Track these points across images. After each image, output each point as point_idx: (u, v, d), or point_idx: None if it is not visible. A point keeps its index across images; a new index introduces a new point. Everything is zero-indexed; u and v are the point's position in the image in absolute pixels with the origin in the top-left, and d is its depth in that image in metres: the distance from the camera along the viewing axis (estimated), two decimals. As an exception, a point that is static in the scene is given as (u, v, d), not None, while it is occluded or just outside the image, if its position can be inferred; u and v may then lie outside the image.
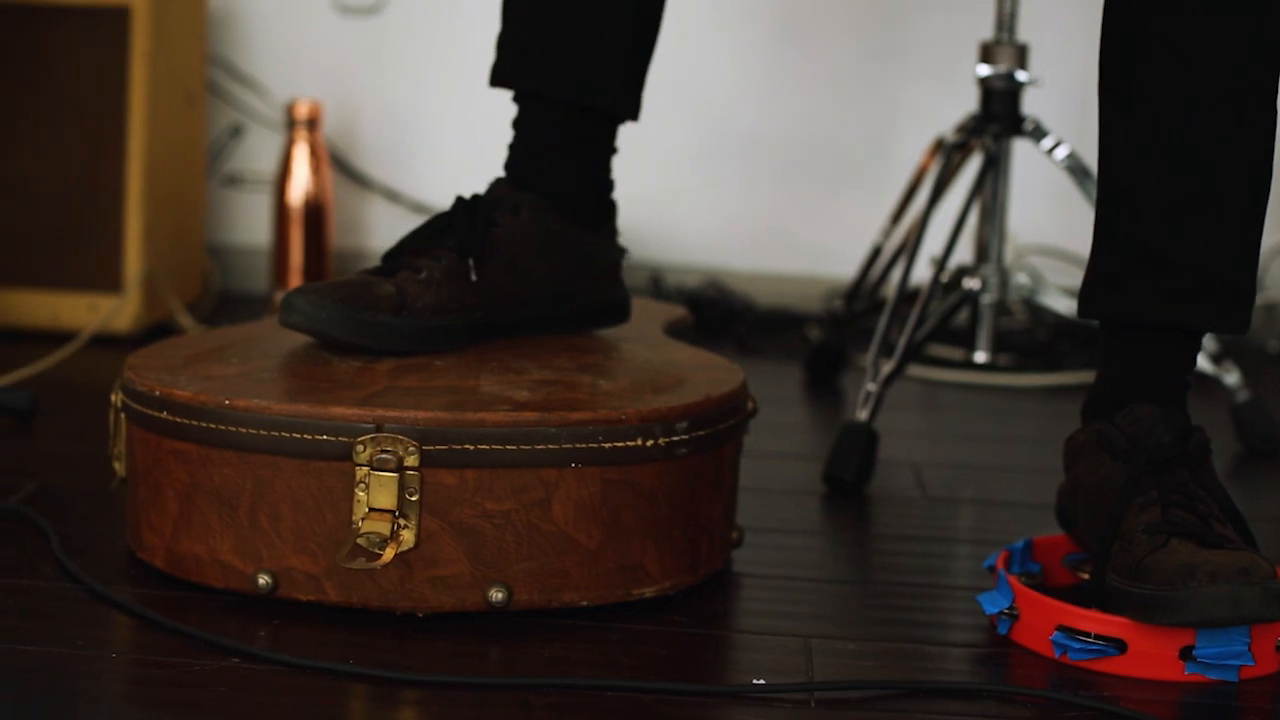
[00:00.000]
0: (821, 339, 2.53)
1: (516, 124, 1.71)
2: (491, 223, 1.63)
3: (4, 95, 2.56)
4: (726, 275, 2.92)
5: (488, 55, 2.84)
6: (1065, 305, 2.39)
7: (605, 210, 1.73)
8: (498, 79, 1.72)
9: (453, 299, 1.58)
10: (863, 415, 1.96)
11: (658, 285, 2.84)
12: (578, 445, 1.39)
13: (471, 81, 2.91)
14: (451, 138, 2.94)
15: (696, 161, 2.93)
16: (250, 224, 2.99)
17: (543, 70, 1.68)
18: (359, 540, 1.36)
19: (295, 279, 2.76)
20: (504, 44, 1.72)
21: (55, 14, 2.55)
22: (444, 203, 2.88)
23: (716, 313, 2.79)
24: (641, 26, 1.69)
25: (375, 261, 2.87)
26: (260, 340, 1.63)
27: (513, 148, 1.71)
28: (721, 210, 2.95)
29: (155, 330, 2.58)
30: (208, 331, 1.72)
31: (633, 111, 1.71)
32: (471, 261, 1.60)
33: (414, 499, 1.37)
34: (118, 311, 2.52)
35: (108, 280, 2.55)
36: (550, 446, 1.39)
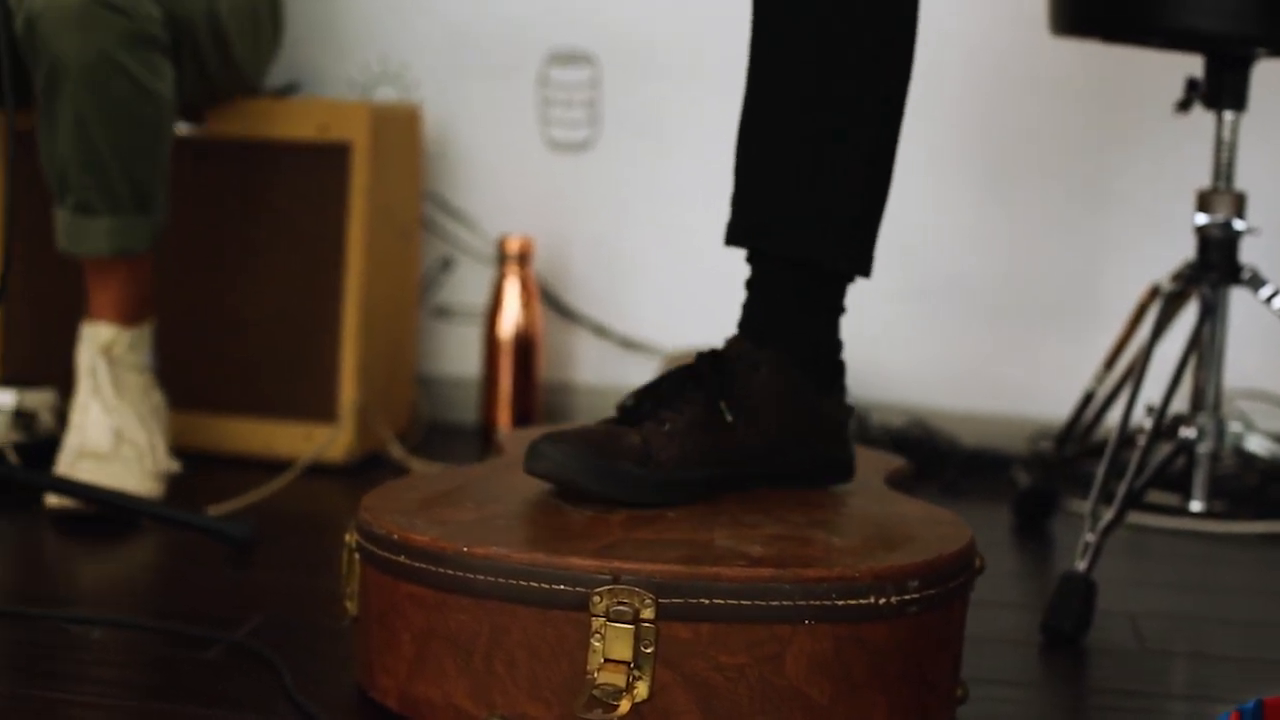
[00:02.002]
0: (1031, 483, 2.51)
1: (751, 283, 1.74)
2: (732, 377, 1.65)
3: (227, 227, 2.63)
4: (931, 415, 2.91)
5: (693, 193, 2.90)
6: (1275, 450, 2.36)
7: (835, 369, 1.75)
8: (733, 239, 1.74)
9: (695, 452, 1.60)
10: (1081, 565, 1.94)
11: (863, 424, 2.84)
12: (812, 602, 1.40)
13: (678, 218, 2.97)
14: (659, 273, 2.97)
15: (900, 301, 2.93)
16: (458, 356, 3.03)
17: (776, 231, 1.70)
18: (594, 691, 1.37)
19: (504, 411, 2.80)
20: (737, 204, 1.75)
21: (278, 148, 2.62)
22: (651, 338, 2.97)
23: (922, 453, 2.78)
24: (873, 187, 1.71)
25: (583, 396, 2.97)
26: (491, 484, 1.65)
27: (747, 305, 1.74)
28: (925, 350, 2.95)
29: (367, 460, 2.63)
30: (438, 472, 1.75)
31: (865, 269, 1.72)
32: (708, 416, 1.62)
33: (649, 651, 1.38)
34: (332, 441, 2.56)
35: (322, 410, 2.60)
36: (785, 603, 1.39)
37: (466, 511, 1.53)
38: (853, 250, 1.71)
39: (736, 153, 1.75)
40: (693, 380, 1.66)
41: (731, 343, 1.72)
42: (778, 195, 1.70)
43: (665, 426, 1.61)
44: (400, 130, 2.74)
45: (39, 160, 2.28)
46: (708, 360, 1.68)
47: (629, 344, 2.96)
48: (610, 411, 2.86)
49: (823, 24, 1.68)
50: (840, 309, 1.75)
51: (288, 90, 2.79)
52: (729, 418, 1.64)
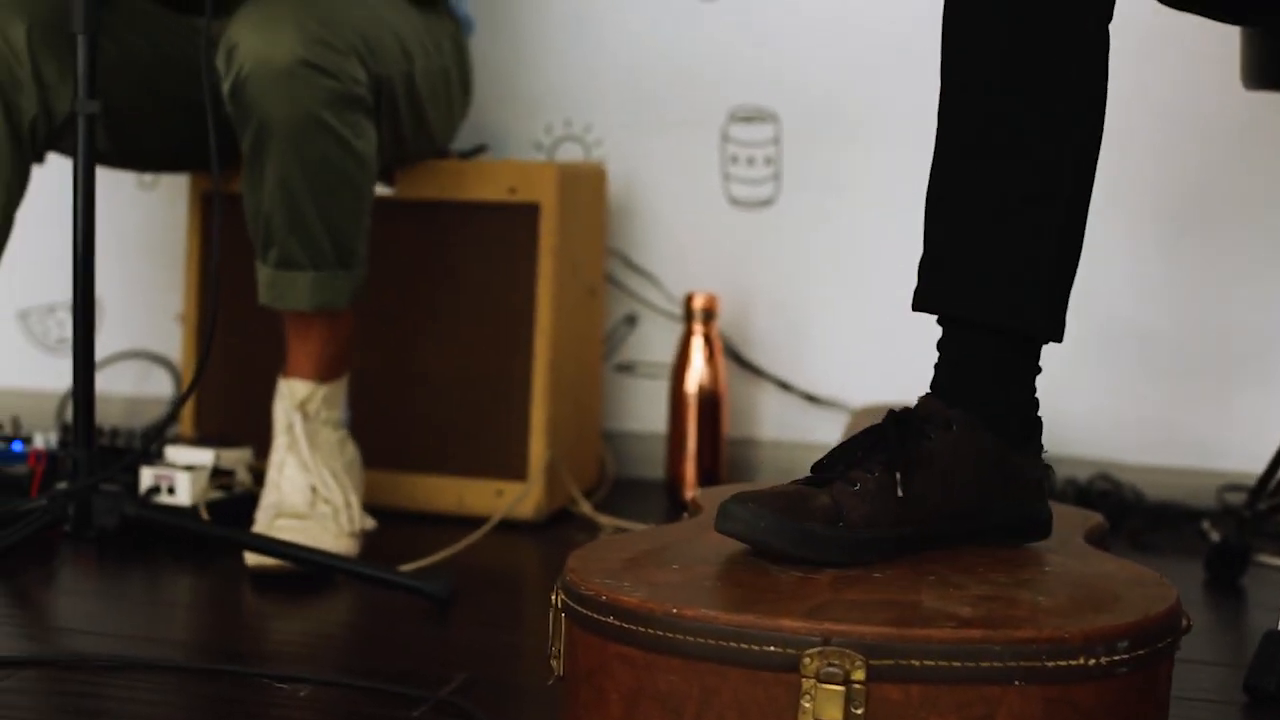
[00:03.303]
0: (1223, 537, 2.49)
1: (942, 345, 1.73)
2: (923, 437, 1.65)
3: (417, 287, 2.68)
4: (1115, 468, 2.89)
5: (875, 249, 2.91)
6: None
7: (1030, 427, 1.74)
8: (922, 304, 1.74)
9: (886, 512, 1.60)
10: (1283, 625, 1.92)
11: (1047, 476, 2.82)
12: (1022, 663, 1.40)
13: (860, 274, 2.97)
14: (841, 329, 2.97)
15: (1086, 352, 2.91)
16: (643, 412, 3.06)
17: (967, 295, 1.70)
18: (805, 752, 1.38)
19: (690, 467, 2.81)
20: (927, 269, 1.75)
21: (468, 209, 2.66)
22: (834, 394, 2.97)
23: (1107, 506, 2.76)
24: (1064, 250, 1.71)
25: (767, 450, 2.98)
26: (692, 544, 1.66)
27: (939, 368, 1.73)
28: (1108, 401, 2.93)
29: (555, 516, 2.65)
30: (639, 532, 1.76)
31: (1057, 333, 1.72)
32: (899, 476, 1.62)
33: (859, 712, 1.38)
34: (523, 498, 2.59)
35: (512, 467, 2.64)
36: (994, 664, 1.39)
37: (672, 572, 1.55)
38: (1045, 315, 1.70)
39: (926, 215, 1.75)
40: (883, 440, 1.66)
41: (923, 402, 1.72)
42: (969, 259, 1.70)
43: (855, 486, 1.62)
44: (586, 190, 2.77)
45: (239, 216, 2.33)
46: (899, 419, 1.68)
47: (812, 399, 2.97)
48: (794, 464, 2.89)
49: (1016, 82, 1.68)
50: (1035, 369, 1.75)
51: (476, 152, 2.84)
52: (919, 478, 1.64)
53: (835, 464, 1.65)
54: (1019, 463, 1.72)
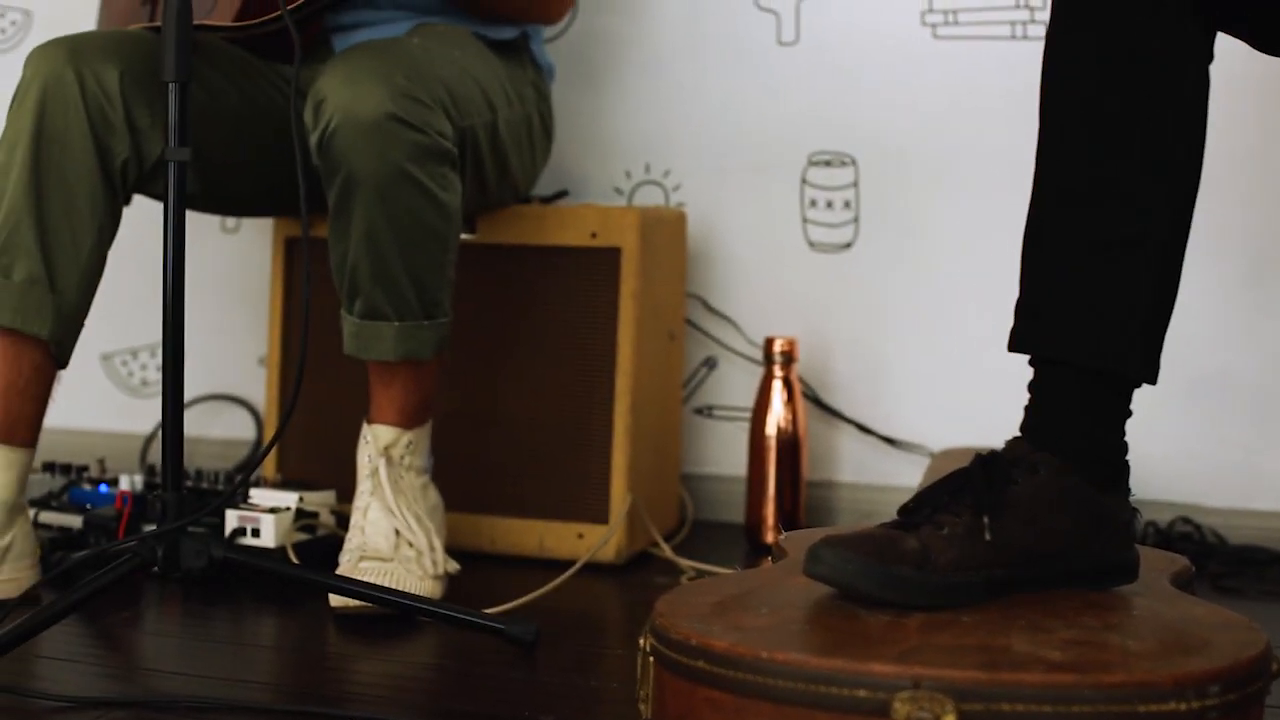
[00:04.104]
0: (1308, 582, 2.48)
1: (1034, 386, 1.74)
2: (1010, 480, 1.65)
3: (499, 331, 2.70)
4: (1197, 511, 2.88)
5: (953, 292, 2.91)
6: None
7: (1119, 471, 1.75)
8: (1018, 345, 1.75)
9: (974, 555, 1.61)
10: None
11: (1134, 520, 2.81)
12: (1112, 708, 1.40)
13: (938, 317, 2.97)
14: (920, 372, 2.97)
15: (1165, 394, 2.90)
16: (722, 455, 3.07)
17: (1063, 337, 1.71)
18: (895, 796, 1.38)
19: (770, 510, 2.82)
20: (1023, 311, 1.75)
21: (549, 254, 2.67)
22: (913, 437, 2.97)
23: (1189, 549, 2.75)
24: (1160, 293, 1.71)
25: (846, 493, 2.98)
26: (778, 587, 1.67)
27: (1029, 408, 1.74)
28: (1191, 445, 2.91)
29: (636, 559, 2.66)
30: (725, 576, 1.77)
31: (1151, 376, 1.72)
32: (987, 519, 1.63)
33: (949, 756, 1.39)
34: (604, 542, 2.60)
35: (593, 510, 2.65)
36: (1085, 708, 1.39)
37: (761, 616, 1.55)
38: (1140, 357, 1.71)
39: (1023, 257, 1.76)
40: (970, 483, 1.67)
41: (1010, 445, 1.72)
42: (1065, 301, 1.71)
43: (943, 530, 1.62)
44: (667, 234, 2.79)
45: (323, 261, 2.36)
46: (985, 463, 1.69)
47: (891, 442, 2.97)
48: (873, 507, 2.90)
49: (1114, 126, 1.68)
50: (1126, 412, 1.75)
51: (557, 197, 2.86)
52: (1007, 521, 1.64)
53: (922, 507, 1.66)
54: (1107, 506, 1.72)
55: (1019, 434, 1.74)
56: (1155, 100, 1.69)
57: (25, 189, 2.28)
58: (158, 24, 2.43)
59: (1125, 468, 1.76)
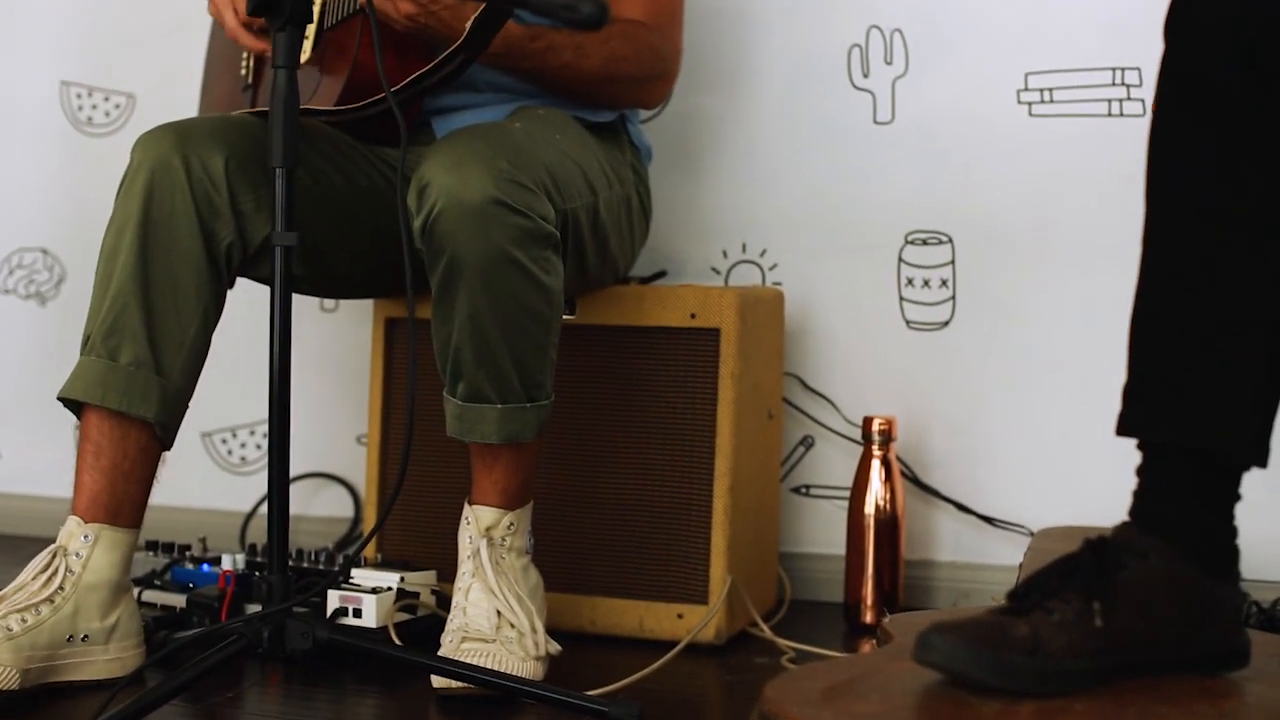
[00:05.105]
0: None
1: (1142, 470, 1.73)
2: (1120, 566, 1.64)
3: (598, 411, 2.70)
4: (1296, 591, 2.85)
5: (1050, 372, 2.90)
6: None
7: (1229, 556, 1.73)
8: (1127, 429, 1.74)
9: (1084, 641, 1.60)
10: None
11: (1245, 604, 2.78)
12: (1230, 798, 1.39)
13: (1036, 396, 2.96)
14: (1018, 451, 2.96)
15: (1263, 474, 2.88)
16: (819, 534, 3.06)
17: (1172, 420, 1.70)
18: None
19: (869, 590, 2.81)
20: (1132, 394, 1.74)
21: (648, 334, 2.68)
22: (1012, 516, 2.95)
23: (1293, 628, 2.73)
24: (1271, 375, 1.70)
25: (944, 571, 2.97)
26: (888, 673, 1.67)
27: (1138, 494, 1.73)
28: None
29: (735, 639, 2.65)
30: (832, 661, 1.77)
31: (1261, 459, 1.71)
32: (1097, 605, 1.62)
33: (1064, 847, 1.38)
34: (704, 623, 2.59)
35: (692, 590, 2.64)
36: (1202, 799, 1.38)
37: (871, 703, 1.55)
38: (1251, 440, 1.70)
39: (1131, 340, 1.75)
40: (1080, 568, 1.66)
41: (1119, 530, 1.71)
42: (1174, 384, 1.70)
43: (1054, 616, 1.61)
44: (765, 314, 2.79)
45: (424, 342, 2.37)
46: (1095, 548, 1.68)
47: (990, 521, 2.96)
48: (972, 587, 2.88)
49: (1222, 207, 1.68)
50: (1236, 496, 1.74)
51: (655, 277, 2.87)
52: (1117, 608, 1.63)
53: (1031, 593, 1.65)
54: (1218, 591, 1.71)
55: (1128, 518, 1.73)
56: (1263, 180, 1.68)
57: (133, 273, 2.31)
58: (260, 109, 2.47)
59: (1235, 552, 1.74)
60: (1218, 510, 1.73)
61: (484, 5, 2.27)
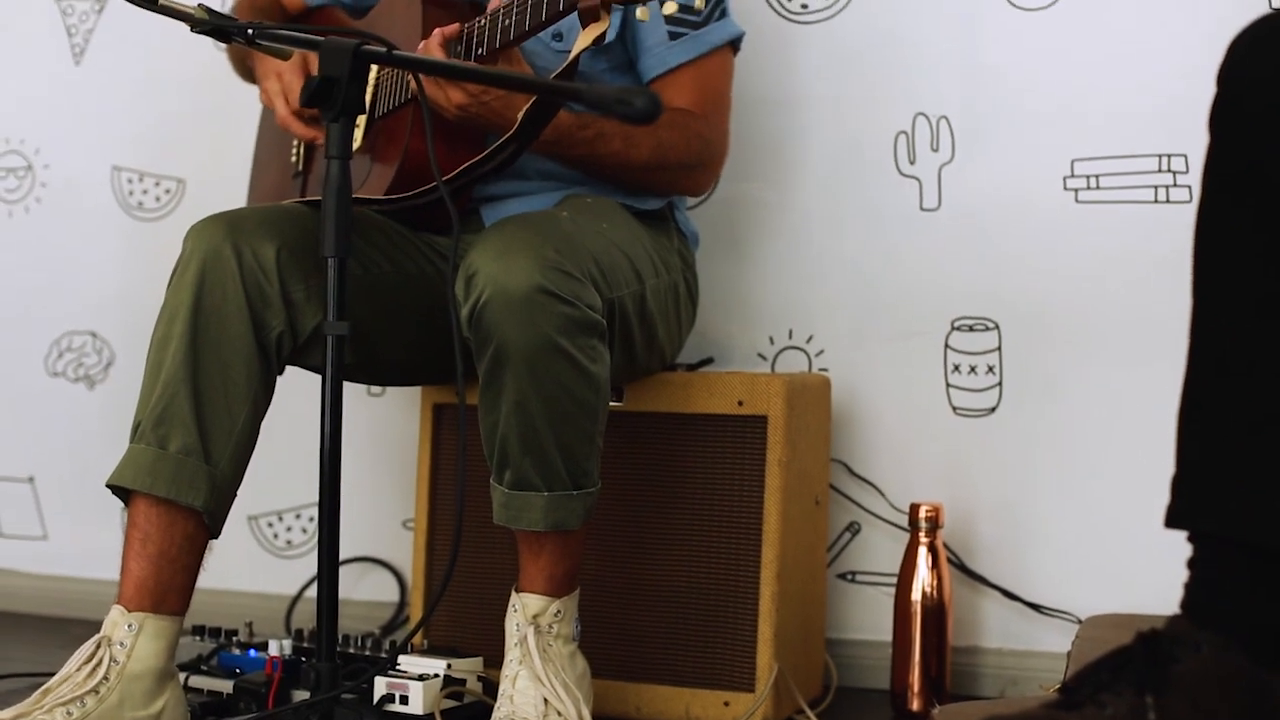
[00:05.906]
0: None
1: (1193, 563, 1.72)
2: (1173, 659, 1.63)
3: (645, 498, 2.71)
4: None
5: (1098, 458, 2.89)
6: None
7: (1285, 647, 1.72)
8: (1177, 521, 1.73)
9: (1139, 735, 1.59)
10: None
11: None
12: None
13: (1084, 483, 2.95)
14: (1065, 538, 2.95)
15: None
16: (865, 621, 3.05)
17: (1223, 512, 1.69)
18: None
19: (915, 676, 2.79)
20: (1180, 486, 1.74)
21: (695, 421, 2.69)
22: (1060, 603, 2.94)
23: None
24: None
25: (991, 658, 2.95)
26: (939, 766, 1.66)
27: (1190, 586, 1.72)
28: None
29: (782, 727, 2.65)
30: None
31: None
32: (1150, 699, 1.61)
33: None
34: (751, 711, 2.59)
35: (739, 677, 2.64)
36: None
37: (923, 797, 1.54)
38: None
39: (1179, 430, 1.75)
40: (1131, 661, 1.65)
41: (1172, 622, 1.70)
42: (1224, 475, 1.69)
43: (1106, 710, 1.60)
44: (813, 401, 2.79)
45: (471, 433, 2.38)
46: (1147, 640, 1.67)
47: (1037, 608, 2.94)
48: (1019, 674, 2.87)
49: (1269, 295, 1.68)
50: None
51: (702, 364, 2.87)
52: (1170, 702, 1.62)
53: (1083, 685, 1.64)
54: (1273, 684, 1.69)
55: (1180, 610, 1.72)
56: None
57: (183, 362, 2.33)
58: (311, 199, 2.49)
59: (1290, 644, 1.73)
60: (1272, 601, 1.71)
61: (536, 96, 2.29)
